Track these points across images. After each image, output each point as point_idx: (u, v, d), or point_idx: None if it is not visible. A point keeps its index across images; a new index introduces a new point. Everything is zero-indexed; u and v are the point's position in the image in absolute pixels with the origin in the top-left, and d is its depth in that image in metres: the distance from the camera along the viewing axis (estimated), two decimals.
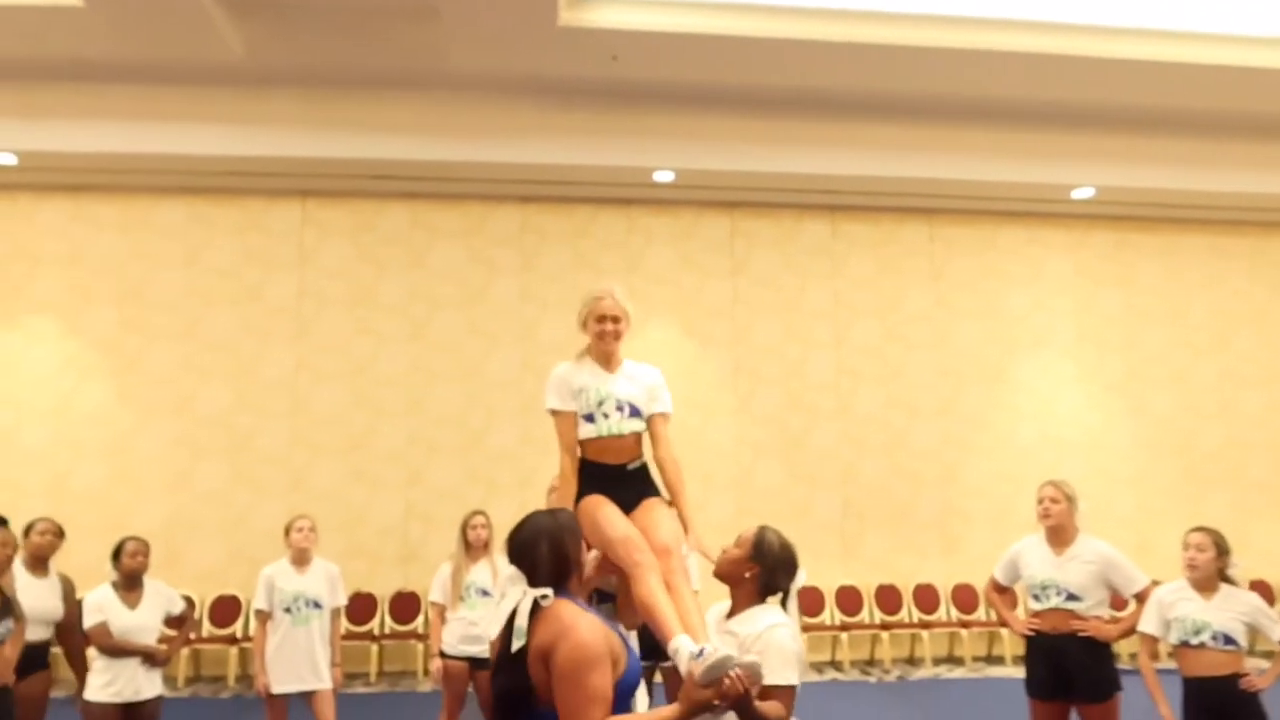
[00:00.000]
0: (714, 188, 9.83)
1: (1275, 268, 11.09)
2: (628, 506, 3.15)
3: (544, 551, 2.39)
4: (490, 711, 2.38)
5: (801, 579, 2.93)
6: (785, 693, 2.61)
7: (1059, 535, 4.46)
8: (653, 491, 3.25)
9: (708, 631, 2.75)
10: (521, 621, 2.32)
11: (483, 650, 5.40)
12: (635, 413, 3.25)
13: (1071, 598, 4.33)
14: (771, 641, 2.64)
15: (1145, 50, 8.21)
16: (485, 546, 5.66)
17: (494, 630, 2.37)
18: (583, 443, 3.32)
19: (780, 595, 2.84)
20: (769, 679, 2.57)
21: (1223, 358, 10.86)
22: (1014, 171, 9.56)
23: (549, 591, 2.35)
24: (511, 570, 2.40)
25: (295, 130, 8.76)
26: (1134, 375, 10.71)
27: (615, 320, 3.34)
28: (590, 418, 3.24)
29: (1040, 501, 4.52)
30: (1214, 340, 10.89)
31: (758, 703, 2.47)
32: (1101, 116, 9.27)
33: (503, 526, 5.77)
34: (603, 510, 3.08)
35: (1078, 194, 10.06)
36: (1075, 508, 4.48)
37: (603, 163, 9.13)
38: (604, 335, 3.33)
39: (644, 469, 3.29)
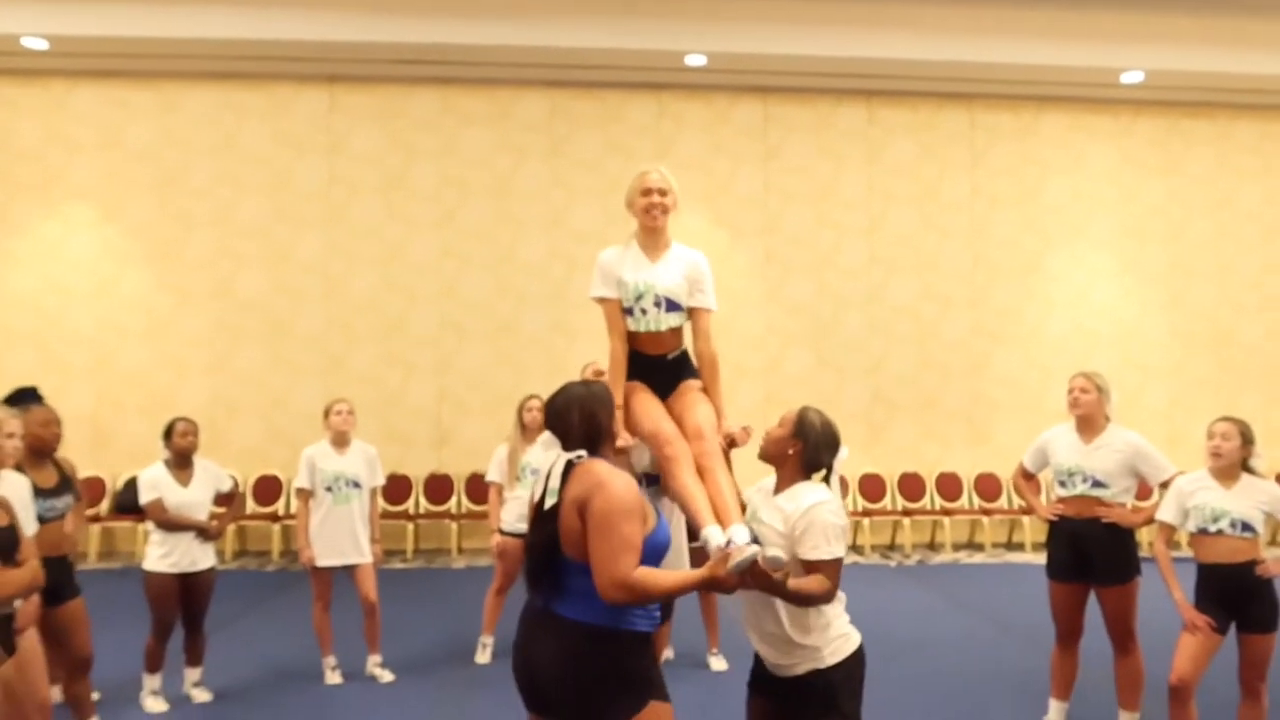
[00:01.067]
0: (747, 72, 9.60)
1: None
2: (665, 391, 3.20)
3: (576, 418, 2.53)
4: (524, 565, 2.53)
5: (844, 455, 2.97)
6: (830, 566, 2.73)
7: (1088, 425, 4.49)
8: (690, 374, 3.27)
9: (738, 512, 2.83)
10: (554, 482, 2.46)
11: None
12: (674, 307, 3.21)
13: (1097, 484, 4.39)
14: (815, 519, 2.73)
15: None
16: (540, 429, 5.80)
17: (535, 490, 2.51)
18: (627, 334, 3.31)
19: (824, 472, 2.91)
20: (814, 554, 2.70)
21: (1269, 249, 10.64)
22: (1059, 54, 9.23)
23: (582, 452, 2.49)
24: (547, 435, 2.55)
25: (323, 13, 8.62)
26: (1175, 267, 10.54)
27: (663, 193, 3.21)
28: (629, 311, 3.21)
29: (1070, 391, 4.54)
30: (1262, 231, 10.65)
31: (796, 581, 2.61)
32: None
33: None
34: (637, 400, 3.13)
35: (1126, 78, 9.71)
36: (1106, 399, 4.49)
37: (634, 46, 8.93)
38: (650, 209, 3.19)
39: (683, 356, 3.30)
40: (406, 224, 9.87)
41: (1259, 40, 9.26)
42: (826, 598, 2.72)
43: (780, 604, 2.72)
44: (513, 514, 5.71)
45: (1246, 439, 4.12)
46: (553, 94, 9.99)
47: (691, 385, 3.23)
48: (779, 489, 2.90)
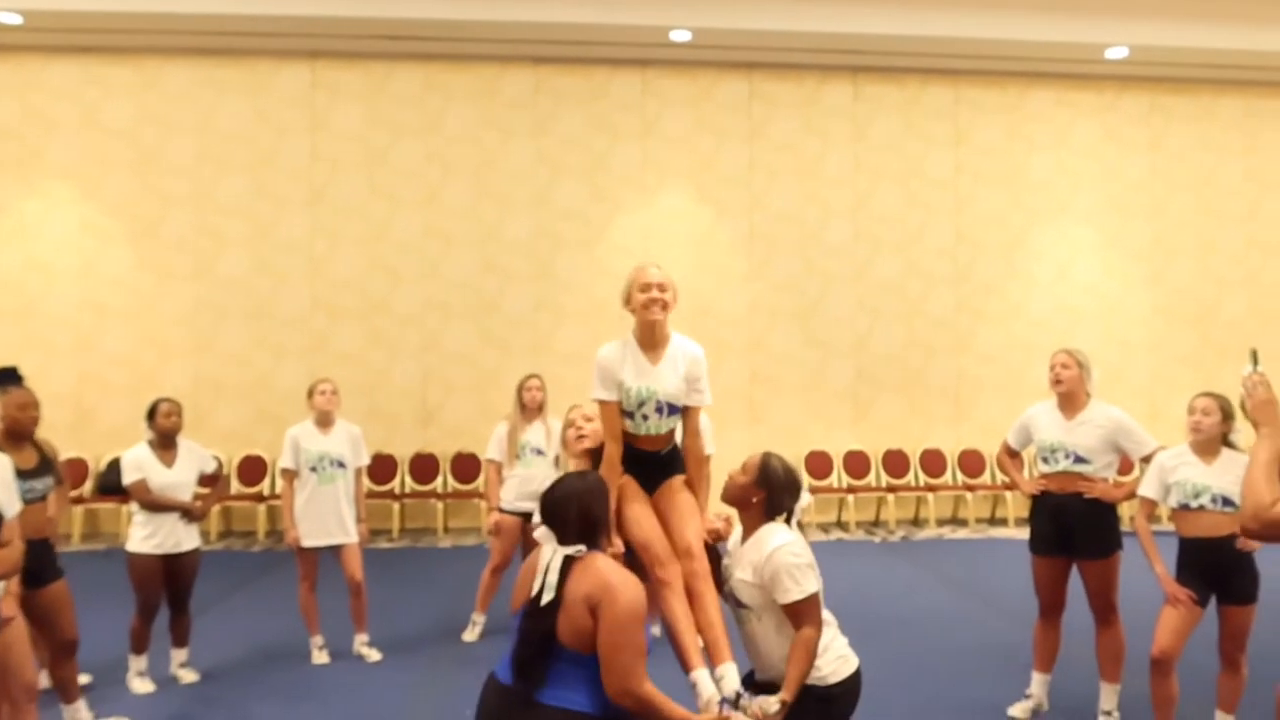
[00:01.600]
0: (732, 48, 9.55)
1: None
2: (653, 484, 3.19)
3: (574, 513, 2.56)
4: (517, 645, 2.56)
5: (805, 500, 3.04)
6: (806, 604, 2.79)
7: (1070, 401, 4.52)
8: (678, 469, 3.23)
9: (727, 646, 2.86)
10: (553, 577, 2.49)
11: (536, 506, 5.65)
12: (674, 410, 3.17)
13: (1080, 460, 4.42)
14: (779, 565, 2.81)
15: None
16: (540, 408, 5.83)
17: (534, 585, 2.52)
18: (624, 432, 3.23)
19: (785, 514, 2.97)
20: (788, 598, 2.78)
21: (1251, 225, 10.70)
22: (1044, 30, 9.22)
23: (581, 547, 2.53)
24: (543, 529, 2.57)
25: None
26: (1157, 243, 10.59)
27: (662, 289, 3.12)
28: (629, 415, 3.14)
29: (1052, 368, 4.56)
30: (1244, 207, 10.70)
31: (790, 682, 2.74)
32: None
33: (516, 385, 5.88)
34: (630, 506, 3.09)
35: (1111, 54, 9.71)
36: (1088, 375, 4.52)
37: (618, 21, 8.86)
38: (650, 305, 3.10)
39: (674, 451, 3.28)
40: (390, 202, 9.80)
41: (1242, 15, 9.28)
42: (816, 638, 2.79)
43: (778, 641, 2.83)
44: (511, 491, 5.74)
45: (1227, 414, 4.15)
46: (537, 70, 9.91)
47: (678, 483, 3.19)
48: (745, 537, 2.97)
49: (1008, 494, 9.89)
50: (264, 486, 9.30)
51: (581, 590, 2.44)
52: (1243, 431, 4.21)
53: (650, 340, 3.18)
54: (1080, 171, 10.54)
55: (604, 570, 2.49)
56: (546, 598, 2.47)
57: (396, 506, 9.36)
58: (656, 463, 3.19)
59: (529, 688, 2.44)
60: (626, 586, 2.46)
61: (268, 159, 9.68)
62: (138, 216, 9.54)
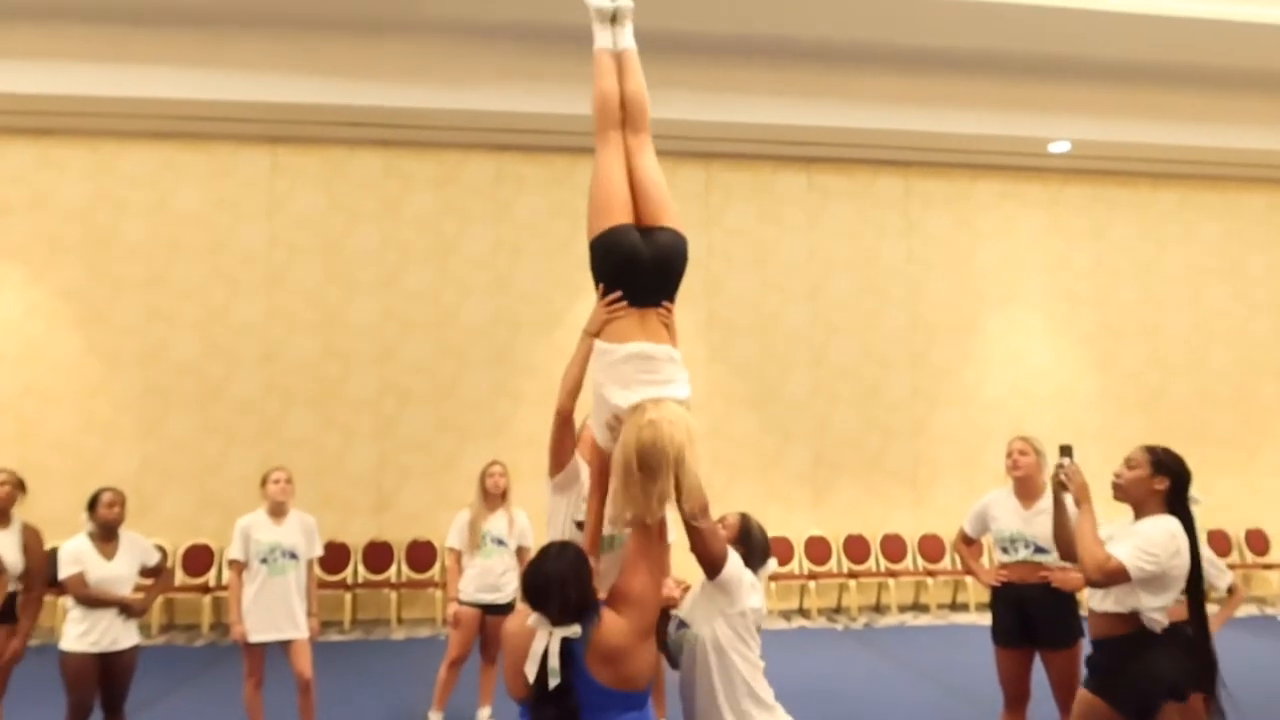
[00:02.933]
0: (689, 138, 9.75)
1: (1248, 223, 11.22)
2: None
3: (562, 597, 2.49)
4: (515, 690, 2.53)
5: (771, 566, 3.07)
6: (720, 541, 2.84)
7: (1027, 488, 4.55)
8: None
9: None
10: (554, 662, 2.44)
11: (497, 598, 5.60)
12: None
13: (1039, 550, 4.43)
14: (732, 572, 2.83)
15: (1126, 2, 8.20)
16: (503, 496, 5.71)
17: (529, 670, 2.47)
18: None
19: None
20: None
21: (1192, 312, 11.02)
22: (990, 124, 9.56)
23: (577, 628, 2.47)
24: (535, 615, 2.51)
25: (266, 75, 8.57)
26: (1104, 329, 10.85)
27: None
28: None
29: (1009, 454, 4.60)
30: (1185, 295, 11.03)
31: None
32: (1079, 70, 9.25)
33: (476, 473, 5.79)
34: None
35: (1054, 148, 10.07)
36: (1044, 461, 4.56)
37: (578, 112, 9.01)
38: None
39: None
40: (347, 286, 9.75)
41: (1178, 112, 9.70)
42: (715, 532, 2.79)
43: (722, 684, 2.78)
44: (471, 583, 5.59)
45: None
46: (498, 157, 10.04)
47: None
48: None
49: (968, 579, 9.86)
50: (210, 577, 8.99)
51: (606, 647, 2.47)
52: (1199, 498, 4.22)
53: None
54: (1027, 260, 10.82)
55: (616, 632, 2.50)
56: (553, 682, 2.42)
57: (348, 596, 9.09)
58: None
59: None
60: (648, 647, 2.53)
61: (224, 243, 9.62)
62: (87, 300, 9.38)
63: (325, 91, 8.70)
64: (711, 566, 2.75)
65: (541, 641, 2.46)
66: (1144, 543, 3.24)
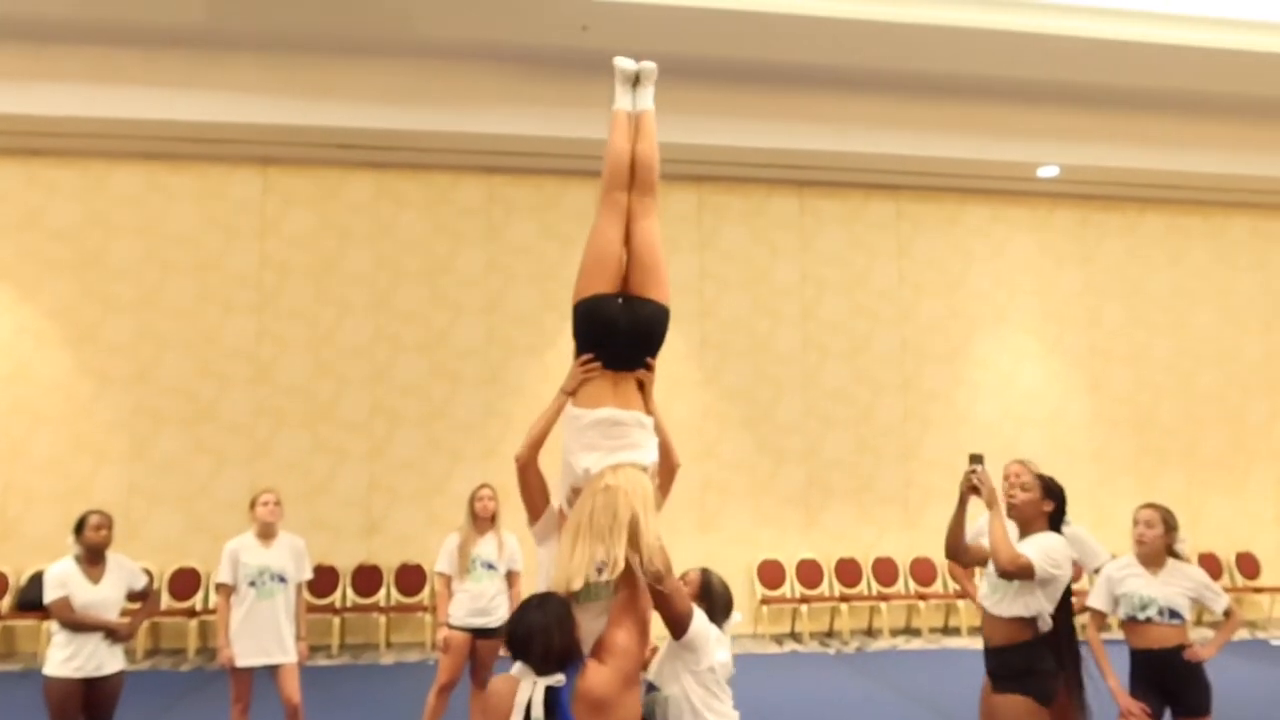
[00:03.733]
0: (682, 161, 9.79)
1: (1234, 247, 11.30)
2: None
3: (544, 648, 2.51)
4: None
5: (736, 619, 3.11)
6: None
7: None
8: None
9: None
10: (537, 711, 2.44)
11: (486, 622, 5.53)
12: None
13: None
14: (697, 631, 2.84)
15: (1112, 30, 8.29)
16: (492, 519, 5.67)
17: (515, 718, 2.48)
18: None
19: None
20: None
21: (1180, 335, 11.07)
22: (980, 149, 9.62)
23: (560, 677, 2.48)
24: (518, 665, 2.53)
25: (257, 96, 8.59)
26: (1094, 352, 10.89)
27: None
28: None
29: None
30: (1172, 318, 11.09)
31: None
32: (1068, 95, 9.34)
33: (466, 495, 5.75)
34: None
35: (1043, 172, 10.15)
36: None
37: (570, 134, 9.05)
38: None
39: None
40: (339, 307, 9.73)
41: (1168, 139, 9.80)
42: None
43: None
44: (461, 607, 5.53)
45: (1169, 525, 4.21)
46: (490, 179, 10.06)
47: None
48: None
49: (960, 603, 9.84)
50: (196, 600, 8.91)
51: (588, 708, 2.47)
52: (1188, 540, 4.27)
53: None
54: (1017, 283, 10.87)
55: (596, 672, 2.51)
56: None
57: (337, 620, 9.01)
58: None
59: None
60: (626, 703, 2.53)
61: (215, 263, 9.60)
62: (77, 320, 9.33)
63: (317, 113, 8.71)
64: (678, 626, 2.75)
65: (525, 691, 2.46)
66: (1048, 549, 3.79)
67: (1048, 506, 4.02)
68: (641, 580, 2.63)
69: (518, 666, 2.51)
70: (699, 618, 2.81)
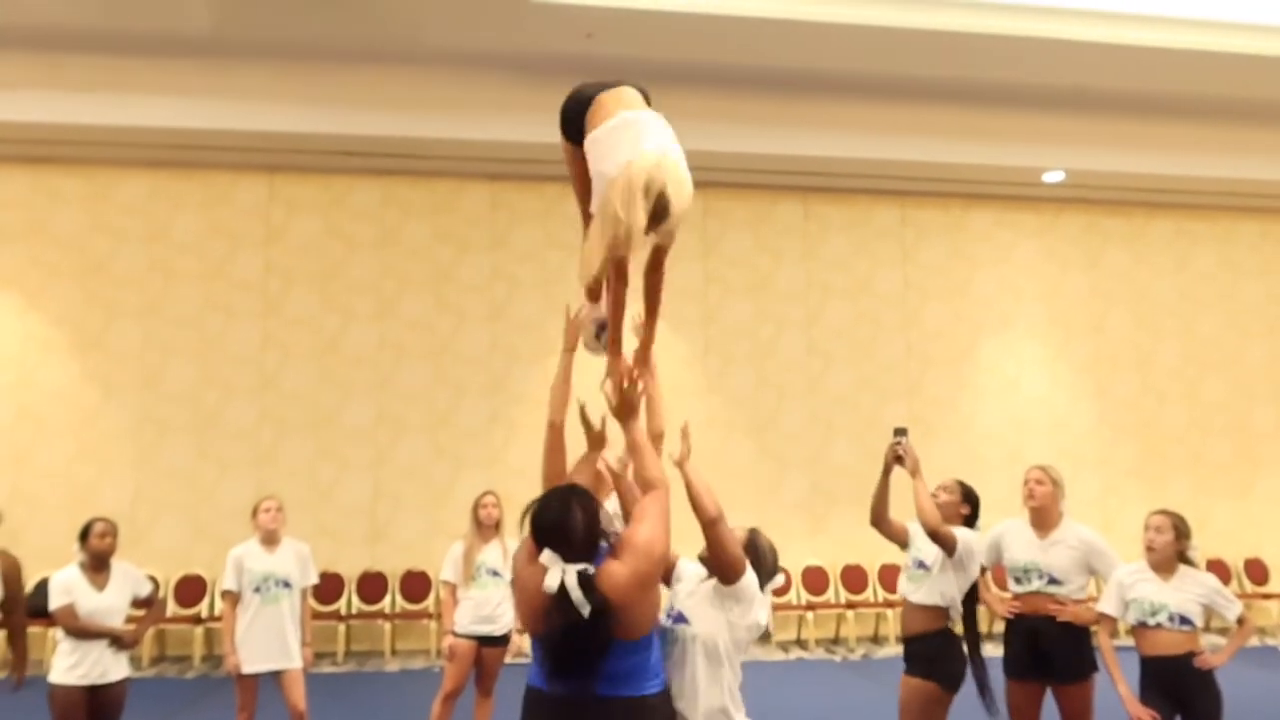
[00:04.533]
0: (688, 167, 9.77)
1: (1241, 252, 11.26)
2: None
3: (565, 534, 2.52)
4: (554, 661, 2.51)
5: (778, 582, 3.11)
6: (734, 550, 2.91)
7: (1043, 518, 4.51)
8: None
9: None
10: (576, 594, 2.43)
11: (492, 629, 5.53)
12: None
13: (1054, 581, 4.39)
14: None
15: (1116, 34, 8.27)
16: (496, 526, 5.66)
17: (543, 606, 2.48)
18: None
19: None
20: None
21: (1186, 341, 11.03)
22: (985, 154, 9.61)
23: (588, 566, 2.48)
24: (546, 552, 2.51)
25: (264, 104, 8.62)
26: (1099, 358, 10.86)
27: None
28: None
29: (1026, 483, 4.58)
30: (1178, 324, 11.05)
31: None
32: (1073, 101, 9.31)
33: (471, 502, 5.76)
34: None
35: (1048, 177, 10.13)
36: (1061, 493, 4.54)
37: None
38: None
39: None
40: (344, 315, 9.74)
41: (1173, 144, 9.77)
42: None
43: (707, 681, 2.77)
44: (466, 615, 5.52)
45: (1180, 532, 4.18)
46: (495, 186, 10.07)
47: None
48: None
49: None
50: (202, 608, 8.90)
51: (622, 582, 2.47)
52: (1198, 548, 4.25)
53: None
54: (1023, 288, 10.84)
55: (615, 569, 2.50)
56: (585, 611, 2.42)
57: (342, 628, 9.00)
58: None
59: (586, 687, 2.44)
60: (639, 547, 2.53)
61: (221, 270, 9.62)
62: (83, 328, 9.35)
63: (323, 121, 8.74)
64: (730, 570, 2.76)
65: (555, 576, 2.46)
66: (967, 536, 4.28)
67: (965, 510, 4.54)
68: (664, 482, 2.66)
69: (546, 554, 2.51)
70: (750, 573, 2.81)
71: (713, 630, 2.76)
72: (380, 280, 9.84)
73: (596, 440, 3.10)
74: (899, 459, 4.43)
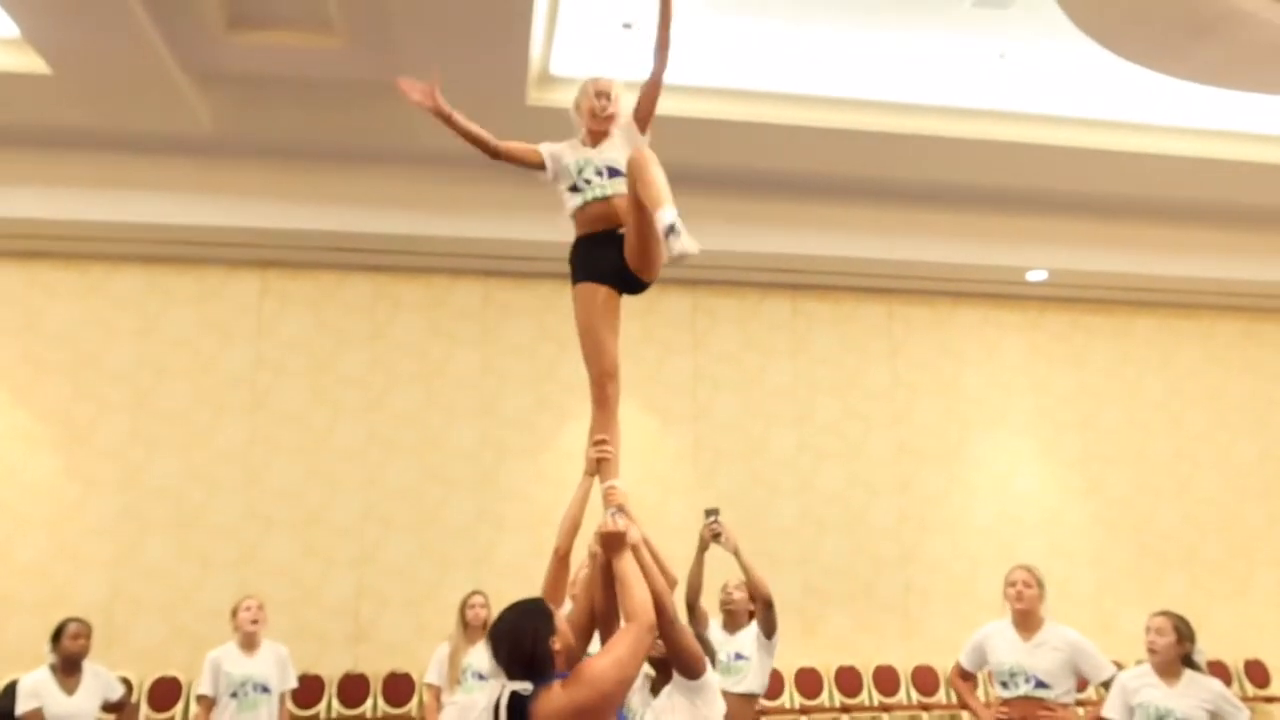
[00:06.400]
0: (676, 265, 9.89)
1: (1226, 349, 11.36)
2: (617, 264, 3.34)
3: (509, 649, 2.46)
4: None
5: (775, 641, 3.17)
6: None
7: (1027, 620, 4.44)
8: None
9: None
10: (503, 715, 2.40)
11: None
12: (616, 173, 3.31)
13: (1040, 685, 4.30)
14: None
15: (1098, 140, 8.54)
16: (484, 627, 5.52)
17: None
18: (575, 217, 3.50)
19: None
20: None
21: (1176, 438, 11.04)
22: (970, 254, 9.78)
23: (528, 685, 2.41)
24: (491, 663, 2.52)
25: (258, 201, 8.74)
26: (1090, 454, 10.84)
27: (608, 96, 3.43)
28: (575, 188, 3.37)
29: (1013, 585, 4.51)
30: (1167, 420, 11.08)
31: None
32: (1055, 202, 9.55)
33: (458, 602, 5.64)
34: (600, 322, 3.38)
35: (1032, 276, 10.30)
36: (1044, 593, 4.49)
37: (565, 239, 9.15)
38: (597, 112, 3.42)
39: None
40: (333, 409, 9.70)
41: (1154, 244, 9.97)
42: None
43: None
44: (451, 719, 5.35)
45: (1182, 634, 4.11)
46: (487, 283, 10.16)
47: None
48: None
49: (963, 713, 9.54)
50: (176, 712, 8.60)
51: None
52: (1204, 652, 4.17)
53: (593, 141, 3.48)
54: (1011, 385, 10.90)
55: (555, 697, 2.41)
56: None
57: None
58: (616, 241, 3.33)
59: None
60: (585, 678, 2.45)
61: (210, 365, 9.60)
62: (68, 423, 9.27)
63: (317, 218, 8.86)
64: (694, 665, 2.73)
65: (493, 693, 2.44)
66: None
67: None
68: (645, 616, 2.60)
69: (491, 666, 2.50)
70: (710, 671, 2.79)
71: None
72: (370, 375, 9.83)
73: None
74: (715, 537, 4.49)
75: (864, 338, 10.74)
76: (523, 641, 2.43)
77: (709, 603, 5.08)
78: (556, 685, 2.43)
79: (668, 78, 3.50)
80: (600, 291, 3.31)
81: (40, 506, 9.06)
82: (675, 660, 2.74)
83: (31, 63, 7.20)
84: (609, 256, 3.32)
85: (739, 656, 4.53)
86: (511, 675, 2.43)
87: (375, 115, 8.01)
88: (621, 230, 3.38)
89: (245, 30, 7.06)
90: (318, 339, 9.81)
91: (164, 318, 9.63)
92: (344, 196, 8.81)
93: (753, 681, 4.40)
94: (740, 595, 4.82)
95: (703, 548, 4.62)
